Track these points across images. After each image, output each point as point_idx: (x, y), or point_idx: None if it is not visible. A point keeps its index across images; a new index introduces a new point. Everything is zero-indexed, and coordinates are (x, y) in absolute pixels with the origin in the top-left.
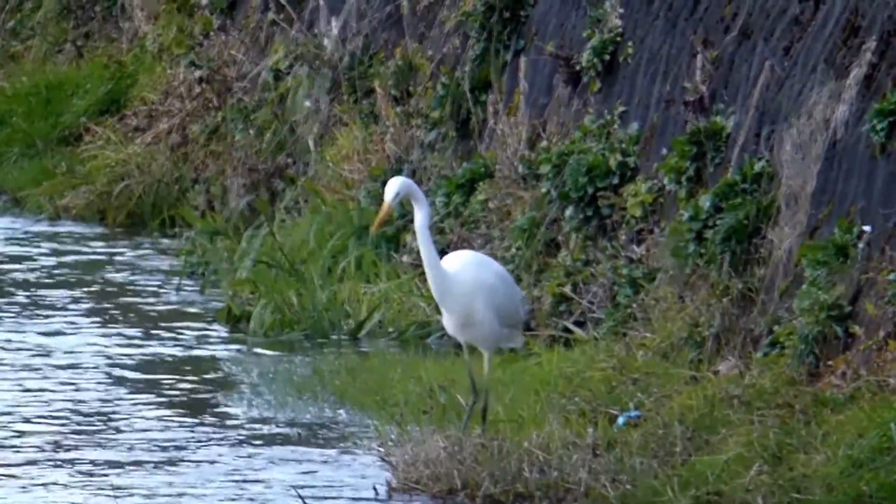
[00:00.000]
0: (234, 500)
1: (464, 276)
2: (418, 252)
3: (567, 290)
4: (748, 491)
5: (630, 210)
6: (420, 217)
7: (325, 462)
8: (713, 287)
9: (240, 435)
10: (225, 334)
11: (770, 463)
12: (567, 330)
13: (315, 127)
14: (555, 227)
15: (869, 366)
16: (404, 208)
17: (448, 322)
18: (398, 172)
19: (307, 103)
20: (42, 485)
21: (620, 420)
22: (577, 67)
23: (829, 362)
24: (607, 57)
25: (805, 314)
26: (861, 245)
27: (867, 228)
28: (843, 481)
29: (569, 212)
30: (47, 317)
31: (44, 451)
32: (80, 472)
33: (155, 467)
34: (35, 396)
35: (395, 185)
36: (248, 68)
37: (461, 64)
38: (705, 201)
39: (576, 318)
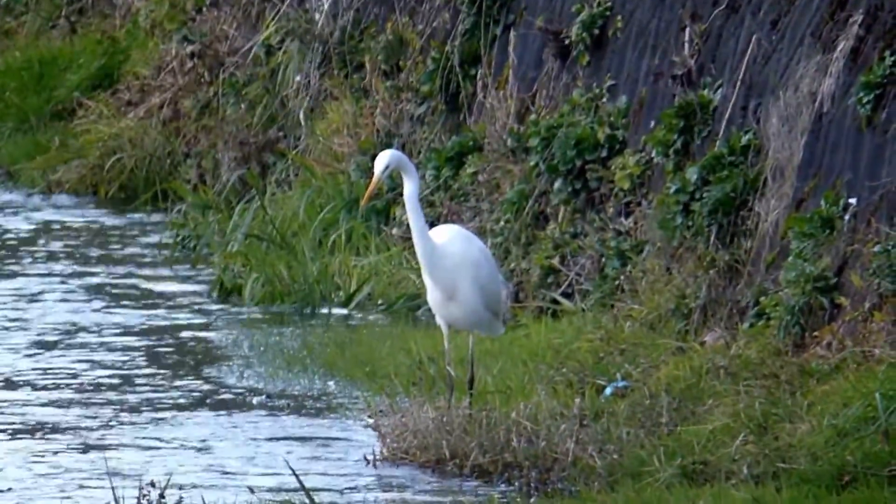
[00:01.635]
0: (222, 468)
1: (451, 249)
2: (408, 225)
3: (555, 261)
4: (734, 460)
5: (618, 182)
6: (409, 188)
7: (315, 432)
8: (700, 259)
9: (230, 406)
10: (216, 307)
11: (756, 433)
12: (555, 301)
13: (305, 101)
14: (543, 200)
15: (854, 336)
16: (394, 181)
17: (433, 298)
18: (388, 146)
19: (298, 78)
20: (31, 445)
21: (607, 390)
22: (566, 41)
23: (815, 333)
24: (596, 31)
25: (791, 285)
26: (847, 217)
27: (853, 201)
28: (828, 451)
29: (557, 184)
30: (40, 288)
31: (34, 414)
32: (70, 438)
33: (144, 438)
34: (27, 364)
35: (384, 158)
36: (240, 43)
37: (451, 38)
38: (692, 174)
39: (564, 289)
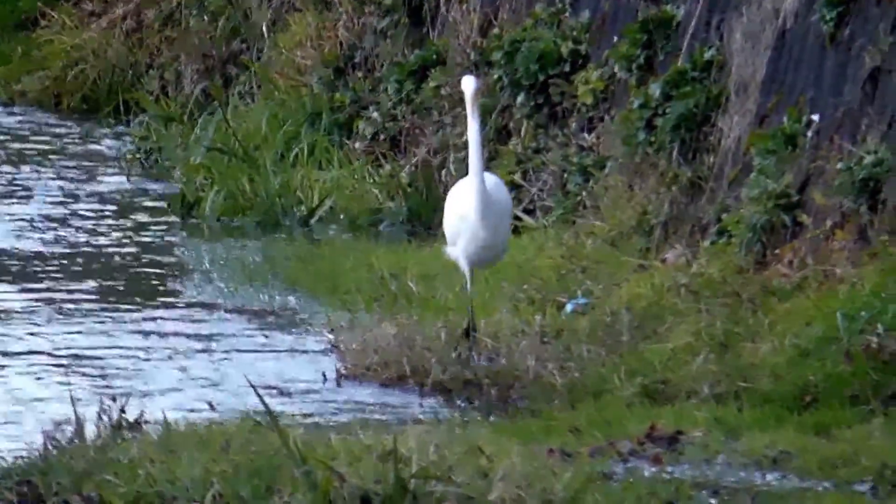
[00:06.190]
0: (181, 383)
1: (497, 196)
2: (371, 138)
3: (517, 177)
4: (695, 379)
5: (581, 97)
6: (476, 127)
7: (276, 348)
8: (662, 175)
9: (191, 320)
10: (177, 220)
11: (717, 351)
12: (517, 218)
13: (268, 13)
14: (506, 115)
15: (816, 255)
16: (356, 94)
17: (475, 241)
18: (350, 59)
19: None
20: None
21: (568, 307)
22: None
23: (777, 251)
24: None
25: (753, 203)
26: (810, 134)
27: (816, 117)
28: (790, 370)
29: (520, 99)
30: None
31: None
32: (32, 360)
33: (104, 352)
34: None
35: (473, 80)
36: None
37: None
38: (655, 89)
39: (526, 205)
